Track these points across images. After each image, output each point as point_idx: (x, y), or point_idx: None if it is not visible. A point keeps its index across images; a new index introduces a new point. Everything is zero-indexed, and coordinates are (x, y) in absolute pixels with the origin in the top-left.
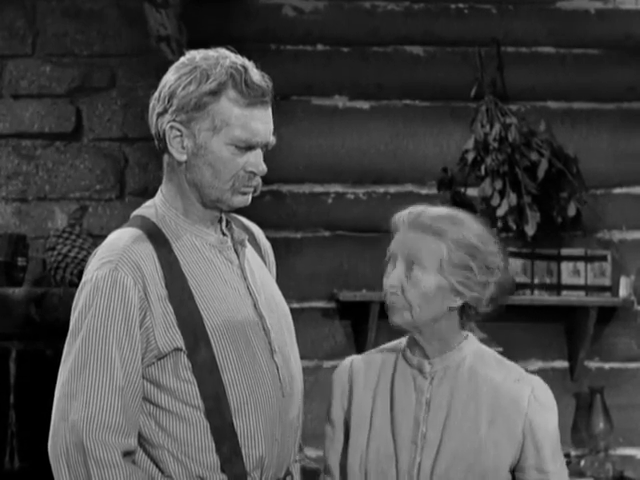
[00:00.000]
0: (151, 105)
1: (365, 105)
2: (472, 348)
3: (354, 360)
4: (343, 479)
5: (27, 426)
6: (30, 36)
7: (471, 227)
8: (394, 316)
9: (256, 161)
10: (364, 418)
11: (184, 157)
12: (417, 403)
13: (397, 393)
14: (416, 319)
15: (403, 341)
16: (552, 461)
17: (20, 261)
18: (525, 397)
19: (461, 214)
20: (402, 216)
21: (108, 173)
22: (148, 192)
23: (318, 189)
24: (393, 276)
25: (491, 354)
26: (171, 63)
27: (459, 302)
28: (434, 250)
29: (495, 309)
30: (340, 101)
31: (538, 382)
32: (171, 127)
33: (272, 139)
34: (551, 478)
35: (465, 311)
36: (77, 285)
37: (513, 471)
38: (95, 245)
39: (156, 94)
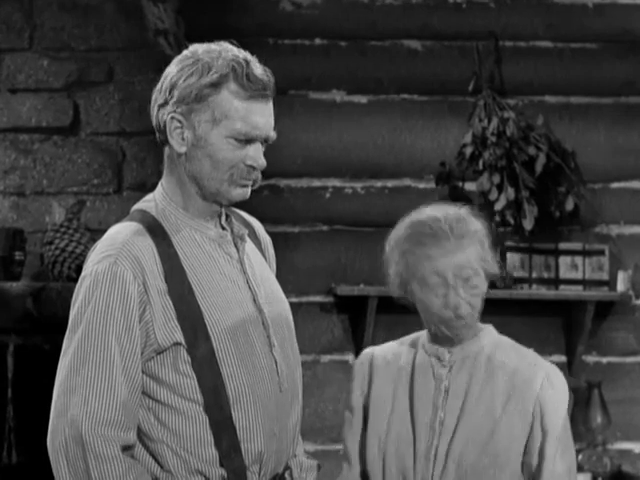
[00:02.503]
0: (153, 97)
1: (363, 99)
2: (490, 338)
3: (375, 350)
4: (362, 463)
5: (25, 421)
6: (27, 30)
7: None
8: (460, 332)
9: (255, 155)
10: (384, 404)
11: (184, 149)
12: (436, 390)
13: (417, 381)
14: (475, 321)
15: (423, 334)
16: (554, 446)
17: (18, 255)
18: (539, 380)
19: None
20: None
21: (106, 167)
22: (146, 186)
23: (316, 183)
24: (461, 302)
25: (508, 342)
26: (169, 57)
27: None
28: (476, 254)
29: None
30: (338, 95)
31: (553, 368)
32: (172, 118)
33: (273, 134)
34: (546, 462)
35: None
36: (75, 279)
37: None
38: (93, 240)
39: (158, 86)
